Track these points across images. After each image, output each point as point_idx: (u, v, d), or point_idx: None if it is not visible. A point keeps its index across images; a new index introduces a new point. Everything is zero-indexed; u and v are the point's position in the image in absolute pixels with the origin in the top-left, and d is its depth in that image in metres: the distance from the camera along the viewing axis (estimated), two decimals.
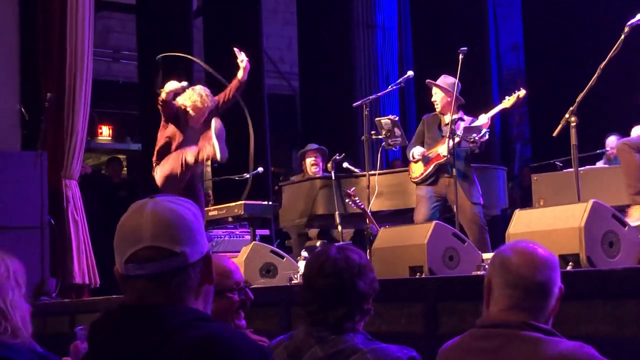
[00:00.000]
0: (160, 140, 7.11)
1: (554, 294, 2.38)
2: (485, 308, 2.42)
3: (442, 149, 6.93)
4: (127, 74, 14.48)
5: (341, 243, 6.88)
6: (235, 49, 7.20)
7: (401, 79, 7.72)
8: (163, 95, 6.88)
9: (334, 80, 12.11)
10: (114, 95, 14.80)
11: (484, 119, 6.99)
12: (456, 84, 6.88)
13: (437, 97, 7.21)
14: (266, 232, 9.34)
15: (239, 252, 7.01)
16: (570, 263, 4.08)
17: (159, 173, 7.05)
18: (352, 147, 9.86)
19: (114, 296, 6.95)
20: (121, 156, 16.22)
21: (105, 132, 15.75)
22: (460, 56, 6.74)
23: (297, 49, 13.38)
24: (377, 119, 7.53)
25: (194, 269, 1.77)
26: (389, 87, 8.22)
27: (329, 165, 8.15)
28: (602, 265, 4.02)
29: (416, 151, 7.20)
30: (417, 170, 7.18)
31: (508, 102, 7.05)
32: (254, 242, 7.44)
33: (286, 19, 15.53)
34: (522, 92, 7.04)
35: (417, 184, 7.18)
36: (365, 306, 2.59)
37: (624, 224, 4.22)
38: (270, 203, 8.84)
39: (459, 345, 2.43)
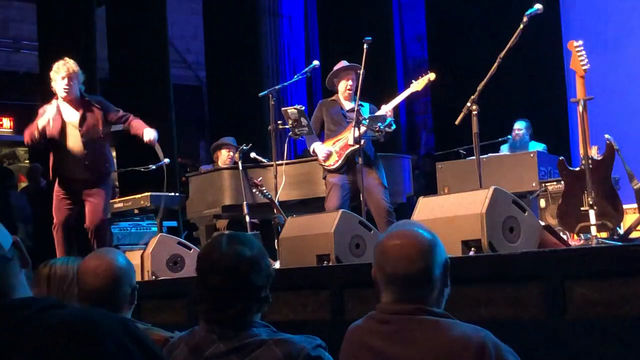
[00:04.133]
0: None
1: (437, 275, 2.36)
2: (378, 297, 2.44)
3: (351, 137, 6.97)
4: (28, 64, 14.13)
5: (249, 233, 6.89)
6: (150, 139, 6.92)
7: (307, 69, 7.73)
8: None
9: (241, 70, 12.04)
10: (14, 86, 14.43)
11: (388, 108, 7.04)
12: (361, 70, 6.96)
13: (353, 82, 7.21)
14: (173, 223, 9.26)
15: (145, 244, 6.94)
16: (472, 248, 4.17)
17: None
18: (259, 137, 9.84)
19: None
20: (22, 148, 15.84)
21: (6, 124, 15.37)
22: (365, 46, 6.79)
23: (204, 38, 13.27)
24: (283, 108, 7.52)
25: (11, 258, 1.73)
26: (295, 76, 8.23)
27: (236, 155, 8.13)
28: (503, 250, 4.11)
29: (319, 149, 7.19)
30: (331, 158, 7.22)
31: (418, 85, 7.06)
32: (161, 233, 7.37)
33: (192, 7, 15.37)
34: (432, 75, 7.04)
35: (330, 172, 7.22)
36: (263, 295, 2.53)
37: (524, 209, 4.33)
38: (177, 194, 8.76)
39: (363, 327, 2.46)
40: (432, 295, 2.35)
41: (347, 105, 7.24)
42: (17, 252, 1.77)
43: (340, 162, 7.11)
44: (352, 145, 6.92)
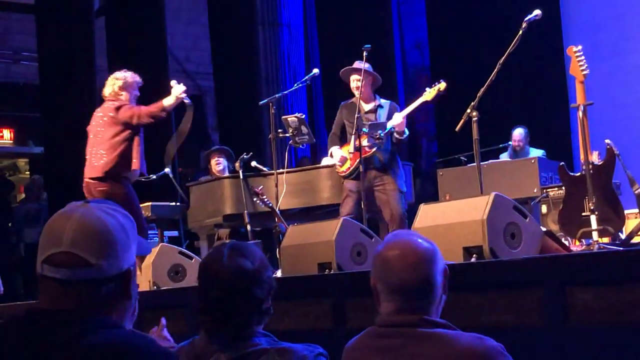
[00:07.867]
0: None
1: (438, 284, 2.33)
2: (377, 308, 2.41)
3: (365, 142, 6.90)
4: (28, 75, 14.12)
5: (249, 242, 6.87)
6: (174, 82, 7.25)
7: (307, 77, 7.74)
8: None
9: (242, 79, 12.04)
10: (14, 98, 14.42)
11: (399, 118, 6.96)
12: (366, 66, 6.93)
13: (360, 82, 7.03)
14: (175, 233, 9.23)
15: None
16: (474, 255, 4.15)
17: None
18: (260, 145, 9.83)
19: (19, 302, 6.78)
20: (23, 160, 15.84)
21: (6, 136, 15.37)
22: (365, 53, 6.78)
23: (210, 48, 13.23)
24: (283, 117, 7.52)
25: (108, 283, 1.74)
26: (296, 85, 8.23)
27: (237, 164, 8.12)
28: (504, 256, 4.10)
29: (335, 154, 7.16)
30: (344, 164, 7.15)
31: (429, 94, 6.89)
32: (162, 243, 7.35)
33: (191, 18, 15.39)
34: (442, 85, 6.84)
35: (345, 178, 7.16)
36: (264, 306, 2.50)
37: (525, 215, 4.31)
38: (178, 204, 8.75)
39: (361, 344, 2.40)
40: (434, 304, 2.32)
41: (367, 106, 7.17)
42: (123, 283, 1.78)
43: (352, 168, 7.05)
44: (368, 152, 6.88)
